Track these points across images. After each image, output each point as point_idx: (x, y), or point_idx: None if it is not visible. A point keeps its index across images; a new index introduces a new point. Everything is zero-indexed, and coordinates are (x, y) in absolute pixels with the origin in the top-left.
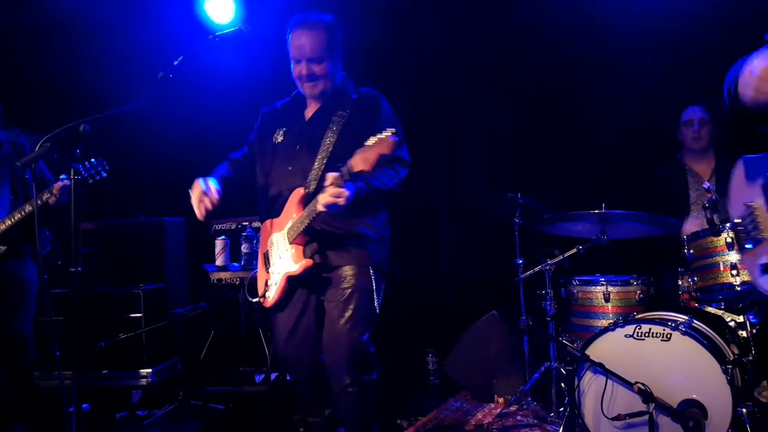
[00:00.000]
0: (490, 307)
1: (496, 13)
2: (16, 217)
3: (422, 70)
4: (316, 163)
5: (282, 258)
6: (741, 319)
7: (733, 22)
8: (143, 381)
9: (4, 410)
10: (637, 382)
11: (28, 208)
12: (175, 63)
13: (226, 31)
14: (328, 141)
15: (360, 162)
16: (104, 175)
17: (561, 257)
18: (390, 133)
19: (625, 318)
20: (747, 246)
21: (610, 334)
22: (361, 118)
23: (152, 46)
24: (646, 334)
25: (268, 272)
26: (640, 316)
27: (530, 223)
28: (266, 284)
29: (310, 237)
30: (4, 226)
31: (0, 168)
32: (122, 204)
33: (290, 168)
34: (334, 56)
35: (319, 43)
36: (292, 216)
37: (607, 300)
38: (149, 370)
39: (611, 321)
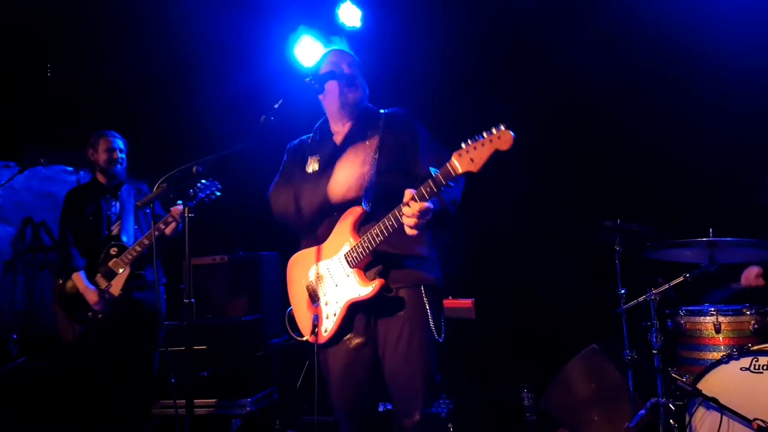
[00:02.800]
0: (588, 340)
1: (583, 20)
2: (144, 243)
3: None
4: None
5: (340, 285)
6: None
7: None
8: (243, 410)
9: None
10: (756, 419)
11: (145, 241)
12: (276, 106)
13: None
14: (371, 157)
15: (466, 163)
16: (218, 194)
17: (666, 286)
18: (505, 126)
19: (739, 350)
20: None
21: (723, 367)
22: (397, 134)
23: (250, 92)
24: (765, 368)
25: (315, 306)
26: (756, 347)
27: (632, 251)
28: (315, 319)
29: (373, 258)
30: (134, 252)
31: (126, 205)
32: (223, 240)
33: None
34: (361, 72)
35: (351, 59)
36: (348, 239)
37: (718, 331)
38: (249, 399)
39: (724, 353)
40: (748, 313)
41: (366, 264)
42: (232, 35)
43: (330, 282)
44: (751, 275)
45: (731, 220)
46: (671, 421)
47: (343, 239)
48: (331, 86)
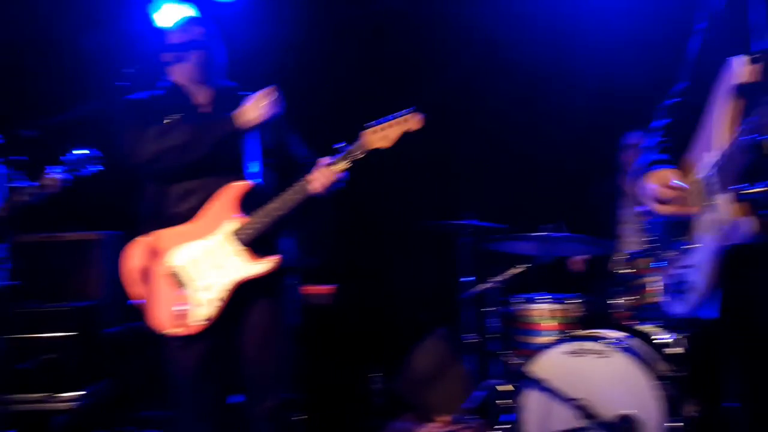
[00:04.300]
0: (439, 326)
1: (448, 28)
2: None
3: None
4: (251, 157)
5: (225, 266)
6: (673, 336)
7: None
8: (69, 405)
9: None
10: (576, 399)
11: None
12: (127, 71)
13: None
14: (255, 134)
15: (378, 139)
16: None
17: (506, 275)
18: (413, 110)
19: (565, 335)
20: (660, 264)
21: (550, 351)
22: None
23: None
24: (586, 351)
25: (182, 293)
26: (579, 333)
27: (479, 242)
28: (180, 308)
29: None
30: None
31: None
32: (58, 216)
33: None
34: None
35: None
36: (228, 215)
37: (549, 318)
38: (75, 394)
39: (552, 338)
40: (575, 301)
41: (256, 241)
42: None
43: (209, 264)
44: (575, 260)
45: (571, 215)
46: (504, 401)
47: (223, 216)
48: (191, 57)
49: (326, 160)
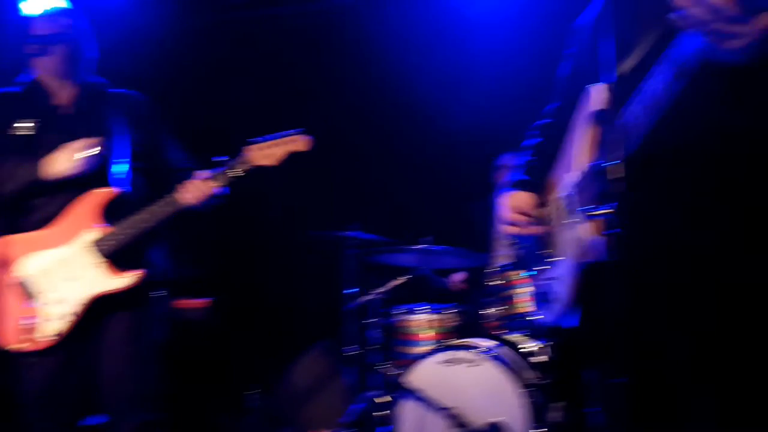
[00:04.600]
0: (320, 338)
1: (335, 42)
2: None
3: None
4: (118, 161)
5: (81, 279)
6: (538, 345)
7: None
8: None
9: None
10: (449, 408)
11: None
12: None
13: None
14: (123, 136)
15: (262, 157)
16: None
17: (387, 286)
18: (301, 131)
19: (441, 345)
20: (528, 275)
21: (426, 361)
22: (140, 118)
23: None
24: (459, 360)
25: (30, 306)
26: (452, 342)
27: (362, 254)
28: (28, 322)
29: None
30: None
31: None
32: None
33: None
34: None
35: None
36: (89, 224)
37: (426, 328)
38: None
39: (428, 348)
40: (452, 311)
41: (118, 253)
42: None
43: (63, 276)
44: (455, 280)
45: (449, 230)
46: (381, 413)
47: (82, 225)
48: (56, 50)
49: (204, 173)
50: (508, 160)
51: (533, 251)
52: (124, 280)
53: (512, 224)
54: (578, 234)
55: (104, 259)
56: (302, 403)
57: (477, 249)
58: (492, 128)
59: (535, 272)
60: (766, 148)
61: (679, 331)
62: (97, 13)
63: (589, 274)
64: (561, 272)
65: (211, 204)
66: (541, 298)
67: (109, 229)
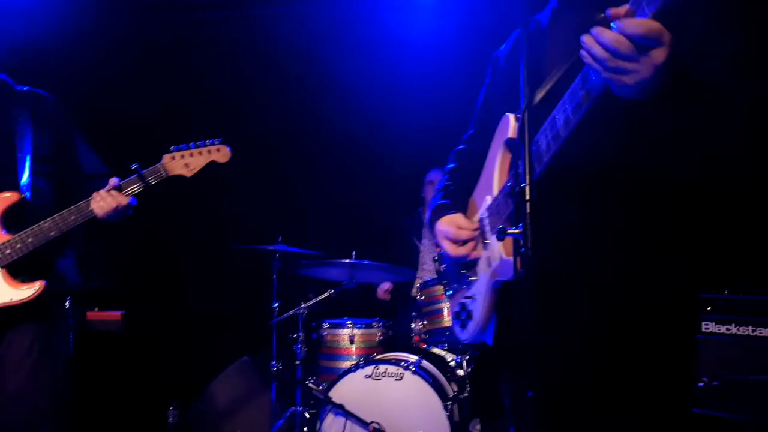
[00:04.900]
0: (244, 353)
1: (270, 52)
2: None
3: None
4: (21, 163)
5: None
6: (457, 360)
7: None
8: None
9: None
10: (372, 422)
11: None
12: None
13: None
14: (28, 137)
15: (180, 167)
16: None
17: (314, 300)
18: (220, 141)
19: (366, 359)
20: (448, 293)
21: (351, 375)
22: (48, 121)
23: None
24: (383, 374)
25: None
26: (378, 356)
27: (287, 267)
28: None
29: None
30: None
31: None
32: None
33: None
34: None
35: None
36: None
37: (352, 342)
38: None
39: (354, 363)
40: (377, 326)
41: (18, 263)
42: None
43: None
44: (381, 290)
45: (376, 244)
46: (305, 429)
47: None
48: None
49: (116, 181)
50: (436, 175)
51: (455, 268)
52: (23, 292)
53: (456, 242)
54: (492, 253)
55: (1, 270)
56: (224, 419)
57: (403, 263)
58: (421, 144)
59: (452, 292)
60: (659, 179)
61: (578, 350)
62: (7, 7)
63: (501, 292)
64: (477, 290)
65: (122, 215)
66: (460, 315)
67: (8, 237)
